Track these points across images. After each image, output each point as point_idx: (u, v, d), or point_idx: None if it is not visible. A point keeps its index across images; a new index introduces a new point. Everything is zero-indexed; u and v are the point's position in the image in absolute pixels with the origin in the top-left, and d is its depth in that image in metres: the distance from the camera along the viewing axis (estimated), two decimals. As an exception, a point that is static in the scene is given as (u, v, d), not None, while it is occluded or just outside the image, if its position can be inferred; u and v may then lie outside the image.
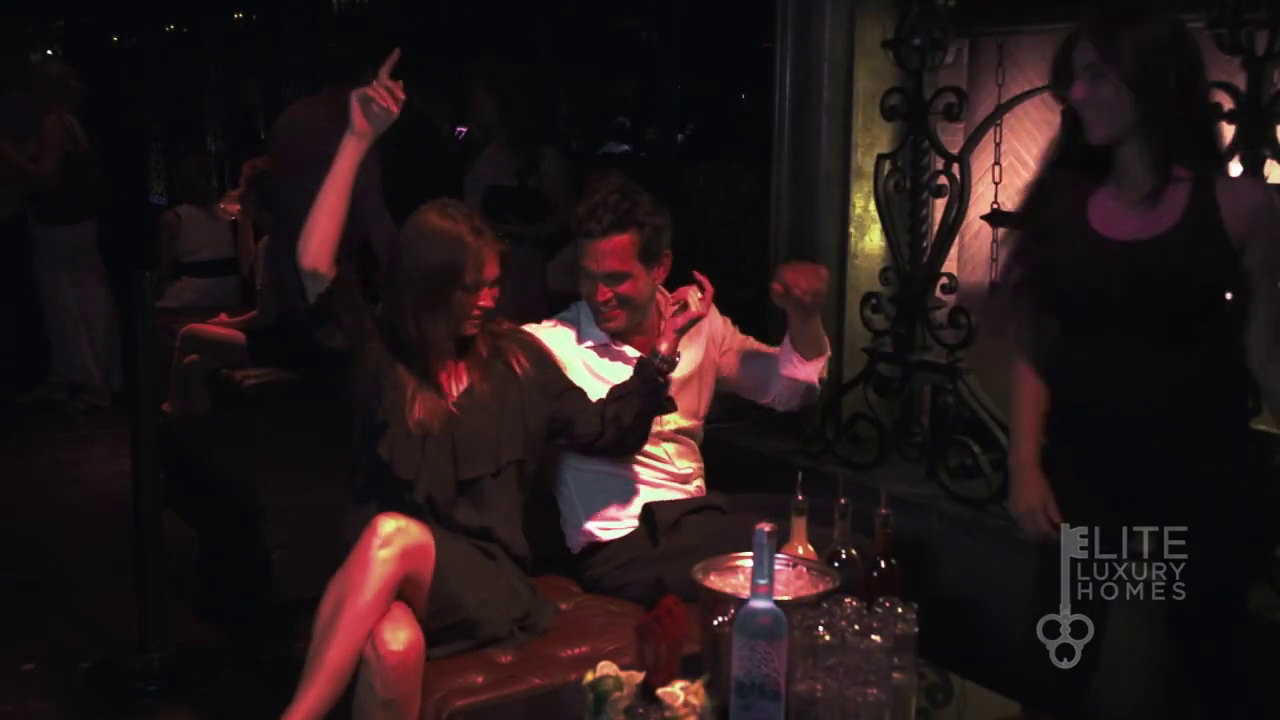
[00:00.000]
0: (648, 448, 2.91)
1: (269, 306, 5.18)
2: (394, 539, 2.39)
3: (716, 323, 3.06)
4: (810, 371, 2.93)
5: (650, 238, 2.83)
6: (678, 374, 2.85)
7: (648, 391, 2.76)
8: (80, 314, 6.24)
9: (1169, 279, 2.23)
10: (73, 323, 6.23)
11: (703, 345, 3.01)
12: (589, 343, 2.94)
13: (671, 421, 2.93)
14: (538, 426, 2.75)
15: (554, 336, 2.93)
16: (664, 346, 2.77)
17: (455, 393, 2.69)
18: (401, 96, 2.58)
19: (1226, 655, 2.35)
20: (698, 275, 2.82)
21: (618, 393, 2.78)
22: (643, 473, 2.94)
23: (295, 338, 4.16)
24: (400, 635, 2.36)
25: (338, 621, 2.34)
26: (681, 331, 2.79)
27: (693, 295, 2.79)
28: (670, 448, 2.97)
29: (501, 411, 2.69)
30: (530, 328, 2.94)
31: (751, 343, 3.10)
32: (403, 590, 2.44)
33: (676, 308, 2.80)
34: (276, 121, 4.56)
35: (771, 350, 3.05)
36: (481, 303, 2.64)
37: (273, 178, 4.51)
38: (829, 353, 2.97)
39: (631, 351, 2.91)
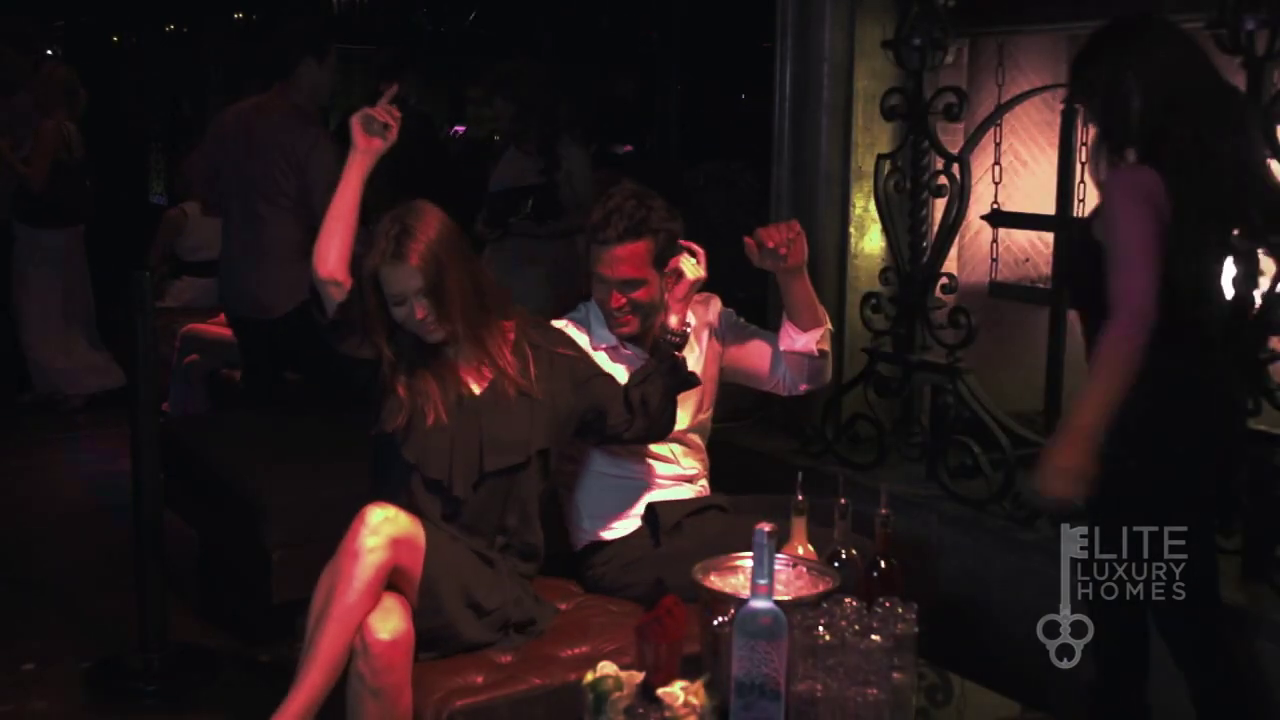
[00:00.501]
0: (654, 447, 2.91)
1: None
2: (382, 528, 2.40)
3: (715, 313, 3.05)
4: (808, 341, 2.89)
5: (664, 244, 2.83)
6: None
7: (668, 369, 2.76)
8: (57, 320, 6.22)
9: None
10: (39, 326, 6.20)
11: (704, 344, 3.01)
12: (601, 345, 2.93)
13: (678, 420, 2.93)
14: (567, 416, 2.74)
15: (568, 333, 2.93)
16: (673, 320, 2.76)
17: (480, 387, 2.68)
18: (399, 114, 2.69)
19: (1209, 646, 2.39)
20: (684, 242, 2.81)
21: (639, 377, 2.77)
22: (648, 472, 2.94)
23: (290, 337, 4.20)
24: (389, 625, 2.37)
25: (329, 612, 2.36)
26: (686, 299, 2.79)
27: (685, 262, 2.79)
28: (677, 447, 2.97)
29: (531, 403, 2.68)
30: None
31: (754, 329, 3.09)
32: (394, 581, 2.44)
33: (674, 279, 2.79)
34: (221, 119, 4.53)
35: (766, 336, 3.04)
36: (416, 316, 2.59)
37: (219, 175, 4.49)
38: (828, 325, 2.93)
39: (641, 353, 2.91)
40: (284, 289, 4.17)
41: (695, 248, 2.82)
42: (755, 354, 3.02)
